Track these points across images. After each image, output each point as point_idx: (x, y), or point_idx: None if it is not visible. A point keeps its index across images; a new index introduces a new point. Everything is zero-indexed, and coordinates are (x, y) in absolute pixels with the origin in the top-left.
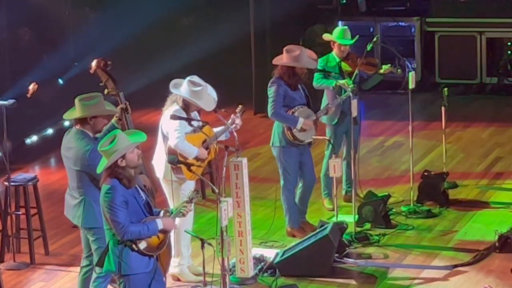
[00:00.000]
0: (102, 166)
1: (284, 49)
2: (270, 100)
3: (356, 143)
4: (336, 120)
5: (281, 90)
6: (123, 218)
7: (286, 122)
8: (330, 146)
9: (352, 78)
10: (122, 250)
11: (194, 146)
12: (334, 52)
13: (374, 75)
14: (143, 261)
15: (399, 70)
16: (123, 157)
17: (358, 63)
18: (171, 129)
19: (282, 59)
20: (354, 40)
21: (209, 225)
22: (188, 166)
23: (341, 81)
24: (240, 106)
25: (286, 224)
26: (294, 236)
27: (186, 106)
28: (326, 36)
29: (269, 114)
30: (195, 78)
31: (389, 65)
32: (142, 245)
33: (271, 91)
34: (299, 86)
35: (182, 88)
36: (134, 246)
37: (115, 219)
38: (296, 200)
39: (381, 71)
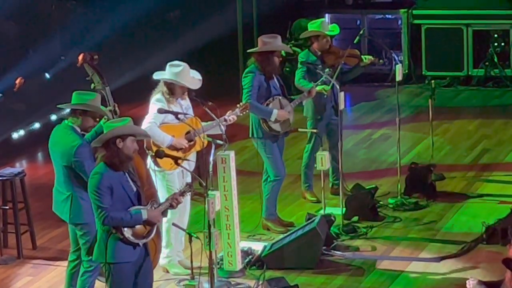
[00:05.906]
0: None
1: (259, 38)
2: (244, 91)
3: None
4: (320, 116)
5: (255, 81)
6: (106, 203)
7: (261, 113)
8: (313, 139)
9: (336, 72)
10: (108, 238)
11: (167, 135)
12: (314, 47)
13: (355, 67)
14: (127, 250)
15: (381, 61)
16: (123, 139)
17: (341, 55)
18: (148, 114)
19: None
20: (338, 31)
21: (196, 219)
22: (175, 159)
23: (320, 87)
24: (241, 103)
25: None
26: (268, 229)
27: (171, 90)
28: (309, 32)
29: None
30: (175, 62)
31: (371, 56)
32: (127, 232)
33: (245, 81)
34: (274, 76)
35: (164, 73)
36: (119, 234)
37: (97, 203)
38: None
39: (363, 62)
